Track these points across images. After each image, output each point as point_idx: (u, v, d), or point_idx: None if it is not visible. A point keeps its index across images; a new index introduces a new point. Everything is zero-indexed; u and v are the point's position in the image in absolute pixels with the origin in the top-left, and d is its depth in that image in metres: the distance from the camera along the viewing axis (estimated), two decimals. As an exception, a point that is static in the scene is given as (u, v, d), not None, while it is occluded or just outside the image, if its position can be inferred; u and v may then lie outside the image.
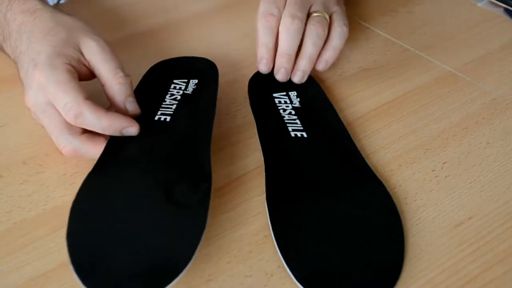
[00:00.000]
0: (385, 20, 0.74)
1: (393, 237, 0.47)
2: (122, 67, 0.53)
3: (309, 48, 0.60)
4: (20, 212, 0.50)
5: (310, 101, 0.60)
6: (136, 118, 0.52)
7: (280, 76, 0.61)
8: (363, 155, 0.54)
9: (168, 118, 0.53)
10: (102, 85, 0.53)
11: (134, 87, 0.56)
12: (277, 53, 0.60)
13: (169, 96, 0.57)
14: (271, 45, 0.60)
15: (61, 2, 0.82)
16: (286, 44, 0.59)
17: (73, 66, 0.51)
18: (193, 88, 0.58)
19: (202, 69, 0.61)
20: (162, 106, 0.55)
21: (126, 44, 0.69)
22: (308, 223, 0.47)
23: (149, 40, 0.70)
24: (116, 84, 0.52)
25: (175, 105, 0.55)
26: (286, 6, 0.60)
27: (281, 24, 0.59)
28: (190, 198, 0.45)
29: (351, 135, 0.56)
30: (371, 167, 0.53)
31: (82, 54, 0.53)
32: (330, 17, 0.62)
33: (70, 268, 0.40)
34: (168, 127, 0.52)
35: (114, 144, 0.50)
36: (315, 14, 0.60)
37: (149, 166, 0.48)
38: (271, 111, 0.58)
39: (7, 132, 0.57)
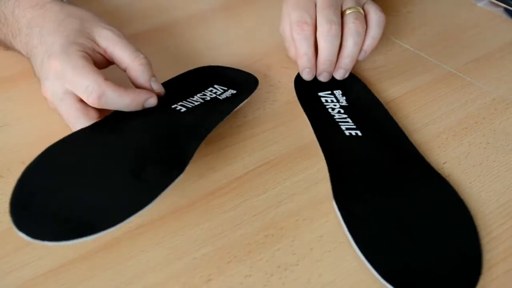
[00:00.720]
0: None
1: (466, 229, 0.48)
2: (139, 50, 0.54)
3: (351, 47, 0.60)
4: (20, 212, 0.50)
5: (356, 99, 0.60)
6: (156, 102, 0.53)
7: (323, 77, 0.61)
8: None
9: (183, 110, 0.54)
10: (124, 70, 0.54)
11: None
12: (319, 60, 0.60)
13: (200, 95, 0.57)
14: (311, 54, 0.60)
15: (61, 2, 0.82)
16: (326, 52, 0.59)
17: (87, 54, 0.52)
18: (226, 96, 0.57)
19: (246, 83, 0.61)
20: (187, 99, 0.56)
21: (126, 44, 0.69)
22: (380, 220, 0.48)
23: (149, 40, 0.70)
24: (138, 66, 0.53)
25: (198, 103, 0.55)
26: (320, 10, 0.59)
27: (318, 32, 0.59)
28: (151, 177, 0.45)
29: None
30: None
31: (96, 43, 0.53)
32: (363, 8, 0.62)
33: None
34: (175, 116, 0.53)
35: (115, 115, 0.51)
36: (349, 11, 0.60)
37: (132, 141, 0.49)
38: (320, 111, 0.59)
39: (7, 132, 0.57)
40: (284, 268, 0.46)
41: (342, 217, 0.48)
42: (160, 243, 0.47)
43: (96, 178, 0.45)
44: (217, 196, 0.51)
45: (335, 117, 0.58)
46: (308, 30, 0.59)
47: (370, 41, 0.61)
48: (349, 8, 0.60)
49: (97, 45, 0.53)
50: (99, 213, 0.42)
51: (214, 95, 0.57)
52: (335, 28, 0.58)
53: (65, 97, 0.51)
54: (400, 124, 0.58)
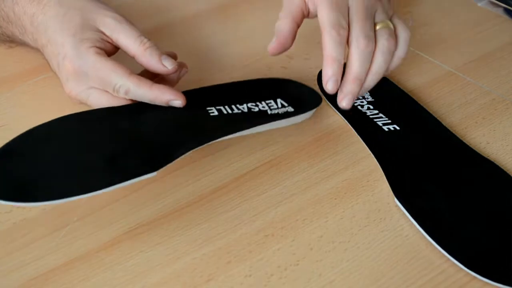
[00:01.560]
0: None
1: None
2: (143, 34, 0.55)
3: (381, 65, 0.55)
4: (20, 212, 0.50)
5: (380, 92, 0.59)
6: (193, 99, 0.54)
7: (346, 103, 0.54)
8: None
9: (214, 114, 0.54)
10: (133, 56, 0.54)
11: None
12: (347, 77, 0.54)
13: (251, 104, 0.56)
14: (342, 61, 0.54)
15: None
16: (360, 69, 0.54)
17: (99, 48, 0.53)
18: (277, 113, 0.56)
19: (307, 104, 0.58)
20: (232, 105, 0.55)
21: (126, 44, 0.69)
22: (447, 211, 0.49)
23: (149, 40, 0.70)
24: (145, 50, 0.54)
25: (239, 112, 0.55)
26: (357, 21, 0.54)
27: (353, 45, 0.54)
28: (122, 165, 0.46)
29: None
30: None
31: (102, 33, 0.54)
32: (392, 20, 0.58)
33: None
34: (196, 117, 0.53)
35: (137, 104, 0.53)
36: (381, 26, 0.56)
37: (130, 130, 0.50)
38: (352, 109, 0.58)
39: (7, 132, 0.57)
40: (284, 268, 0.46)
41: (410, 213, 0.49)
42: (160, 243, 0.47)
43: (70, 155, 0.47)
44: (217, 196, 0.51)
45: (367, 114, 0.58)
46: (344, 36, 0.54)
47: (397, 60, 0.57)
48: (381, 22, 0.56)
49: (104, 34, 0.54)
50: (53, 183, 0.44)
51: (265, 108, 0.56)
52: (371, 46, 0.54)
53: (91, 92, 0.53)
54: (429, 110, 0.59)
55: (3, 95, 0.61)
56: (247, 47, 0.68)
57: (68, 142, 0.49)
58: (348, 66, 0.54)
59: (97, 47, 0.53)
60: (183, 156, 0.48)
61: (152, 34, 0.71)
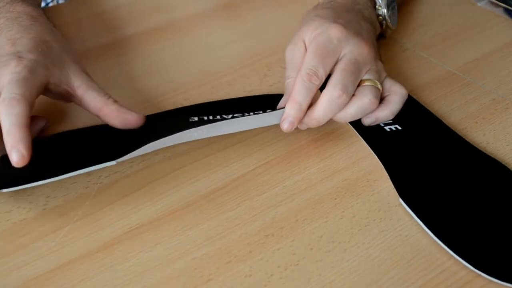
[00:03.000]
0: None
1: None
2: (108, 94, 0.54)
3: (346, 117, 0.54)
4: (20, 212, 0.50)
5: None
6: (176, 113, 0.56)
7: (286, 126, 0.53)
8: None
9: (194, 119, 0.54)
10: (98, 113, 0.52)
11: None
12: (309, 115, 0.54)
13: (238, 115, 0.55)
14: (305, 106, 0.53)
15: (60, 1, 0.82)
16: (322, 115, 0.53)
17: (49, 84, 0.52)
18: (259, 113, 0.55)
19: None
20: (218, 115, 0.55)
21: (125, 44, 0.69)
22: (452, 210, 0.49)
23: (149, 40, 0.70)
24: (111, 105, 0.52)
25: (219, 117, 0.55)
26: (340, 70, 0.53)
27: (327, 92, 0.53)
28: (80, 157, 0.50)
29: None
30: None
31: (68, 82, 0.53)
32: (383, 82, 0.57)
33: None
34: (175, 121, 0.54)
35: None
36: (369, 83, 0.54)
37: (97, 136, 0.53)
38: None
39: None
40: (284, 268, 0.46)
41: (415, 213, 0.49)
42: (160, 243, 0.47)
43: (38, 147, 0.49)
44: (217, 196, 0.51)
45: None
46: (316, 83, 0.53)
47: (388, 114, 0.56)
48: (369, 80, 0.55)
49: (69, 83, 0.53)
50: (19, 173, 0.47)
51: (250, 115, 0.55)
52: (344, 99, 0.53)
53: None
54: (430, 109, 0.59)
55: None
56: (247, 47, 0.68)
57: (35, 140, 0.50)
58: (316, 105, 0.53)
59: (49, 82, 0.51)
60: (145, 146, 0.50)
61: (152, 34, 0.71)
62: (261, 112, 0.55)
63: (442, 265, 0.46)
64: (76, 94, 0.53)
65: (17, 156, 0.45)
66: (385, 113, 0.56)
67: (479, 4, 0.77)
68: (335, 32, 0.55)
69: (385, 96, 0.57)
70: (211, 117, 0.55)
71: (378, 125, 0.57)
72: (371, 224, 0.49)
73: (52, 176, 0.49)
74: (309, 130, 0.57)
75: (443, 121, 0.59)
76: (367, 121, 0.56)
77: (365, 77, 0.55)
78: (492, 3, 0.77)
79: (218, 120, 0.54)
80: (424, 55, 0.68)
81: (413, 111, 0.59)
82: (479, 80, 0.65)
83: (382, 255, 0.47)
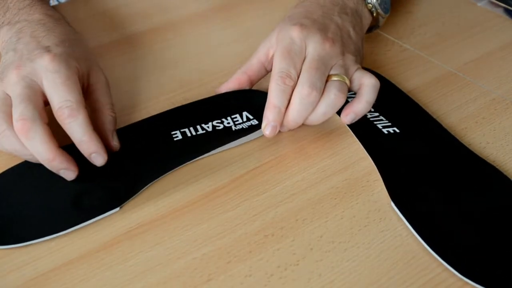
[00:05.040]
0: (385, 20, 0.74)
1: None
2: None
3: (319, 116, 0.55)
4: (20, 212, 0.50)
5: (382, 94, 0.58)
6: (158, 124, 0.56)
7: (268, 131, 0.54)
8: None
9: (178, 138, 0.54)
10: (93, 111, 0.53)
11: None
12: (286, 117, 0.55)
13: (216, 122, 0.56)
14: (283, 109, 0.54)
15: (61, 1, 0.82)
16: (297, 114, 0.54)
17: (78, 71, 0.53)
18: (242, 128, 0.56)
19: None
20: (197, 125, 0.56)
21: (125, 44, 0.69)
22: (444, 217, 0.49)
23: (149, 40, 0.70)
24: (109, 115, 0.53)
25: (204, 132, 0.55)
26: (306, 69, 0.54)
27: (296, 92, 0.54)
28: (81, 206, 0.49)
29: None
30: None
31: (88, 75, 0.55)
32: (352, 76, 0.57)
33: None
34: (160, 144, 0.54)
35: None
36: (336, 78, 0.55)
37: (87, 166, 0.51)
38: None
39: (7, 132, 0.57)
40: (284, 268, 0.46)
41: (405, 218, 0.48)
42: (160, 243, 0.47)
43: (37, 198, 0.49)
44: (217, 196, 0.51)
45: (368, 117, 0.58)
46: (290, 84, 0.54)
47: (365, 105, 0.56)
48: (336, 75, 0.55)
49: (86, 75, 0.54)
50: (20, 228, 0.47)
51: (230, 125, 0.56)
52: (315, 96, 0.53)
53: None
54: (429, 110, 0.59)
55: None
56: (247, 47, 0.68)
57: (34, 186, 0.50)
58: (289, 107, 0.54)
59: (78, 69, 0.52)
60: (146, 187, 0.51)
61: (152, 34, 0.71)
62: (239, 122, 0.56)
63: (442, 265, 0.46)
64: (88, 91, 0.54)
65: (101, 158, 0.50)
66: (362, 106, 0.56)
67: (479, 4, 0.77)
68: (295, 33, 0.56)
69: (357, 90, 0.57)
70: (193, 131, 0.55)
71: (376, 127, 0.57)
72: (371, 224, 0.49)
73: (58, 232, 0.47)
74: (309, 130, 0.57)
75: (443, 121, 0.59)
76: (347, 119, 0.56)
77: (331, 72, 0.55)
78: (492, 3, 0.77)
79: (202, 136, 0.55)
80: (424, 55, 0.68)
81: (413, 114, 0.59)
82: (479, 80, 0.65)
83: (382, 255, 0.47)
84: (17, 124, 0.47)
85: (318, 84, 0.54)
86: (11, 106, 0.49)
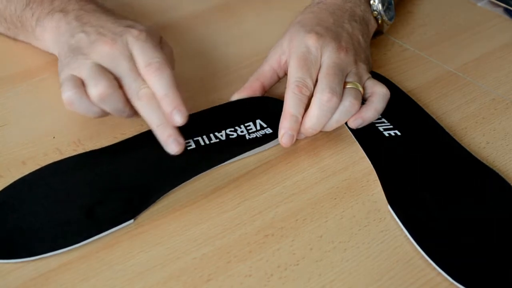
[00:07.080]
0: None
1: None
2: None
3: (332, 124, 0.55)
4: (20, 212, 0.50)
5: None
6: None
7: (285, 140, 0.54)
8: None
9: (192, 147, 0.53)
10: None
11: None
12: (303, 125, 0.54)
13: (229, 130, 0.56)
14: (300, 118, 0.54)
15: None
16: (316, 121, 0.54)
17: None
18: (256, 137, 0.55)
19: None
20: (211, 134, 0.55)
21: (126, 44, 0.69)
22: (440, 221, 0.48)
23: (149, 40, 0.70)
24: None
25: (217, 141, 0.54)
26: (324, 75, 0.54)
27: (316, 98, 0.53)
28: (100, 216, 0.48)
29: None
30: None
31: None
32: (365, 83, 0.57)
33: None
34: (171, 155, 0.52)
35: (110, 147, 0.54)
36: (351, 86, 0.55)
37: (99, 177, 0.51)
38: None
39: (7, 132, 0.57)
40: (284, 268, 0.46)
41: (401, 221, 0.48)
42: (160, 243, 0.47)
43: (49, 210, 0.48)
44: (217, 196, 0.51)
45: None
46: (306, 94, 0.54)
47: (373, 113, 0.56)
48: (351, 83, 0.55)
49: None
50: (33, 241, 0.46)
51: (244, 133, 0.55)
52: (335, 101, 0.53)
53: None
54: (429, 110, 0.59)
55: (3, 95, 0.61)
56: (247, 47, 0.68)
57: (46, 196, 0.49)
58: (308, 114, 0.54)
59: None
60: (160, 198, 0.50)
61: (152, 34, 0.71)
62: (253, 131, 0.56)
63: (442, 265, 0.46)
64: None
65: (182, 116, 0.50)
66: (371, 113, 0.56)
67: (479, 4, 0.77)
68: (311, 41, 0.56)
69: (368, 97, 0.57)
70: (206, 140, 0.54)
71: (377, 130, 0.57)
72: (371, 224, 0.49)
73: (71, 245, 0.47)
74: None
75: (443, 121, 0.59)
76: (354, 124, 0.56)
77: (346, 79, 0.56)
78: (492, 3, 0.77)
79: (215, 145, 0.54)
80: (424, 55, 0.68)
81: (415, 117, 0.59)
82: (479, 80, 0.65)
83: (382, 255, 0.47)
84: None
85: (338, 89, 0.54)
86: (109, 71, 0.52)
